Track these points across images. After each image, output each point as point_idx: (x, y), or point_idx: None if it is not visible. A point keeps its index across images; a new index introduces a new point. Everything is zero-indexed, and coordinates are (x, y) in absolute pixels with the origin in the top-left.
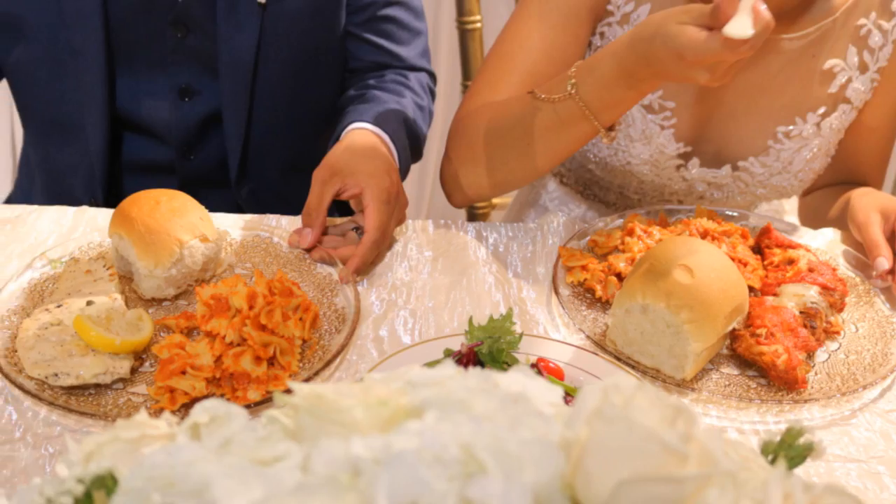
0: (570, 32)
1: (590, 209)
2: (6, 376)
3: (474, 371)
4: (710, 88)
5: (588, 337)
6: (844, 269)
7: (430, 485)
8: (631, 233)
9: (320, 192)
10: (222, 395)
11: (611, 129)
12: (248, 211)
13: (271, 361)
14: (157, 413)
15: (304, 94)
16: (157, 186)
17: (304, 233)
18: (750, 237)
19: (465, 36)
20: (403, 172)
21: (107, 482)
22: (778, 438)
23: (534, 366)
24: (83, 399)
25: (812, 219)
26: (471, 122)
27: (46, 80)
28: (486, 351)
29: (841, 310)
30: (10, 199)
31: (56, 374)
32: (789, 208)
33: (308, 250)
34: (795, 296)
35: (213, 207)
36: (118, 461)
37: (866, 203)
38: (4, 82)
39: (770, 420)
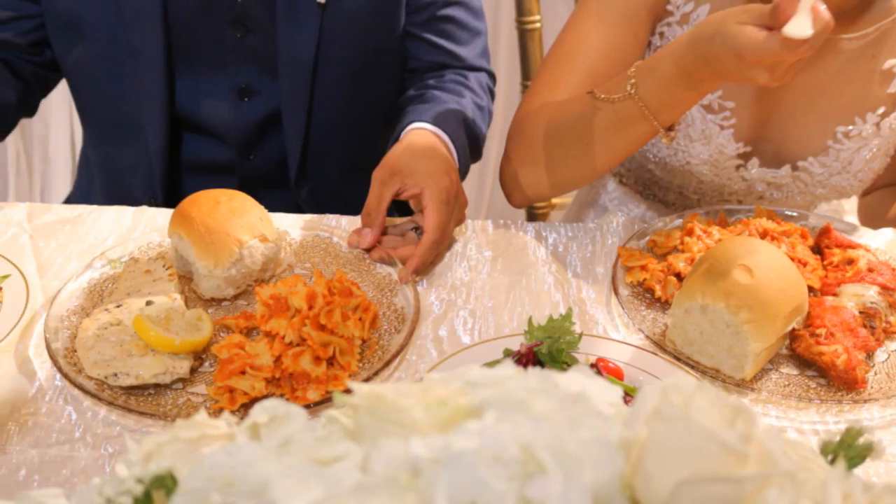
0: (629, 32)
1: (649, 209)
2: (66, 376)
3: (534, 371)
4: (770, 88)
5: (647, 337)
6: None
7: (490, 485)
8: (690, 233)
9: (380, 192)
10: (282, 395)
11: (670, 129)
12: (307, 211)
13: (331, 361)
14: (216, 413)
15: (364, 94)
16: (217, 186)
17: (364, 233)
18: (809, 237)
19: (525, 36)
20: (463, 172)
21: (166, 482)
22: (837, 438)
23: (593, 366)
24: (143, 399)
25: (871, 219)
26: (530, 122)
27: (106, 80)
28: (545, 351)
29: None
30: (70, 199)
31: (115, 374)
32: (849, 208)
33: (367, 250)
34: (855, 296)
35: (272, 207)
36: (178, 461)
37: None
38: (64, 82)
39: (829, 420)
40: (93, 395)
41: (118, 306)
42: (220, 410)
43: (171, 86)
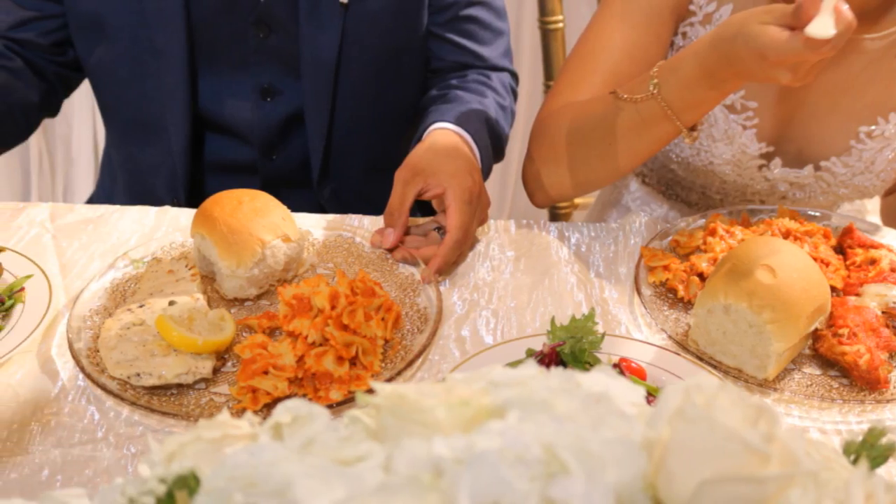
0: (652, 32)
1: (672, 209)
2: (88, 376)
3: (556, 371)
4: (793, 88)
5: (670, 337)
6: None
7: (512, 485)
8: (713, 233)
9: (402, 192)
10: (304, 395)
11: (693, 129)
12: (330, 211)
13: (353, 361)
14: (239, 413)
15: (387, 94)
16: (240, 186)
17: (387, 233)
18: (832, 237)
19: (548, 36)
20: (485, 172)
21: (189, 482)
22: (860, 438)
23: (616, 366)
24: (165, 399)
25: (894, 219)
26: (553, 123)
27: (128, 80)
28: (568, 351)
29: None
30: (93, 199)
31: (138, 374)
32: (871, 208)
33: (390, 250)
34: (878, 296)
35: (294, 207)
36: (200, 461)
37: None
38: (87, 82)
39: (852, 420)
40: (115, 395)
41: (141, 306)
42: (243, 410)
43: (194, 86)
